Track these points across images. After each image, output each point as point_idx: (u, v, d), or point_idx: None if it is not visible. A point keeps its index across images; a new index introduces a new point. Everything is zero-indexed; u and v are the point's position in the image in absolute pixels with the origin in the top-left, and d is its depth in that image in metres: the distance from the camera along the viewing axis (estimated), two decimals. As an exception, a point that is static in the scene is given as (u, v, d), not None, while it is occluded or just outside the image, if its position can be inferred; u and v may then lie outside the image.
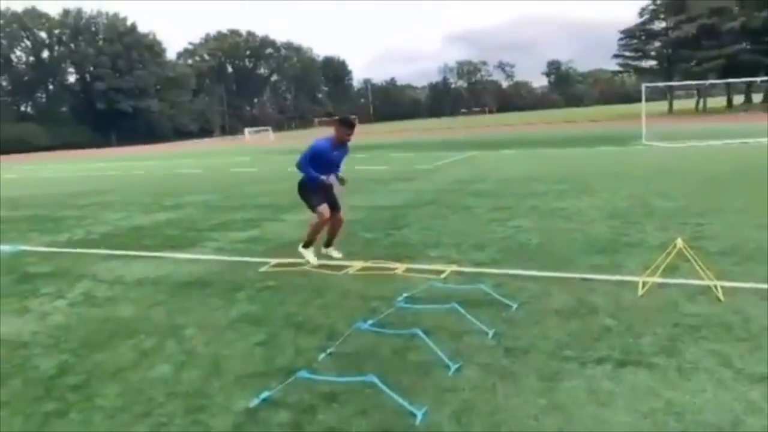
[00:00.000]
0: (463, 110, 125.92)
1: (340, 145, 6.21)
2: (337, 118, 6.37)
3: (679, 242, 5.08)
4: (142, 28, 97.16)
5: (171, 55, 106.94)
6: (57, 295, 5.82)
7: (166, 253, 7.52)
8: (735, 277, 5.08)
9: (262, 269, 6.32)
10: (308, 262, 6.29)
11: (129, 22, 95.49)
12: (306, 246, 6.42)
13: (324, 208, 6.21)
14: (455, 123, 77.47)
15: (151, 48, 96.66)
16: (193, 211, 11.30)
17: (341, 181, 6.40)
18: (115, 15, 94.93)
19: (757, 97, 69.49)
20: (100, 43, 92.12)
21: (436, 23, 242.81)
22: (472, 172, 15.90)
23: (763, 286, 4.79)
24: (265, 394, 3.33)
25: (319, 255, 6.50)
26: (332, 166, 6.29)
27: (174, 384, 3.64)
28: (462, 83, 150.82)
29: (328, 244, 6.65)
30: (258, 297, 5.35)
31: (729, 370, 3.38)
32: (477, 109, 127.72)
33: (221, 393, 3.48)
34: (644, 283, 4.94)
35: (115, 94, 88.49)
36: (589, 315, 4.40)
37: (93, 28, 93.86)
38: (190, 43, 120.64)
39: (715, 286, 4.73)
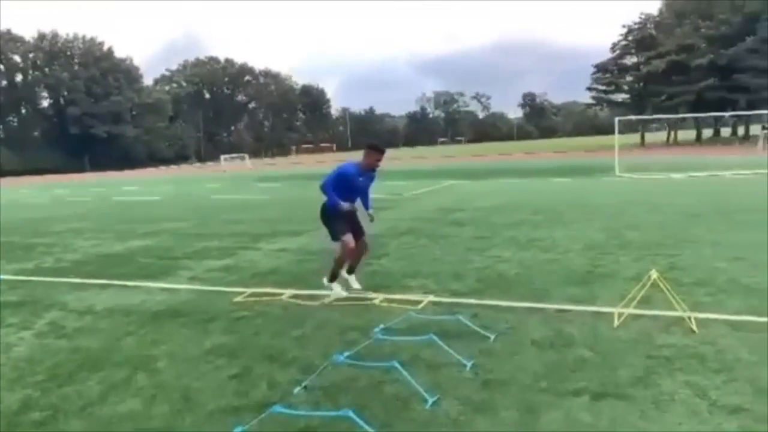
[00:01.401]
0: (442, 139, 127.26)
1: (368, 171, 5.96)
2: (368, 143, 6.11)
3: (654, 273, 5.13)
4: (119, 53, 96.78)
5: (148, 80, 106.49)
6: (23, 326, 5.65)
7: (139, 282, 7.37)
8: (708, 308, 5.15)
9: (237, 299, 6.22)
10: (336, 295, 6.00)
11: (106, 47, 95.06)
12: (331, 279, 6.09)
13: (349, 238, 5.89)
14: (433, 152, 78.18)
15: (128, 73, 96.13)
16: (167, 239, 11.14)
17: (371, 218, 6.18)
18: (92, 40, 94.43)
19: (725, 131, 71.57)
20: (76, 67, 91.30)
21: (414, 53, 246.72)
22: (450, 201, 16.00)
23: (736, 317, 4.86)
24: (238, 429, 3.24)
25: (339, 281, 6.21)
26: (357, 193, 6.04)
27: (144, 419, 3.54)
28: (439, 113, 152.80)
29: (350, 271, 6.30)
30: (232, 328, 5.25)
31: (704, 402, 3.40)
32: (459, 138, 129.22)
33: (193, 428, 3.38)
34: (620, 315, 4.97)
35: (89, 119, 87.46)
36: (566, 346, 4.41)
37: (68, 53, 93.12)
38: (168, 70, 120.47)
39: (689, 318, 4.78)
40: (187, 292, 6.73)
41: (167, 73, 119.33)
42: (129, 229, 12.85)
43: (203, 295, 6.54)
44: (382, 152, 5.96)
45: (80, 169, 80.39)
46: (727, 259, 7.08)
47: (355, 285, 6.24)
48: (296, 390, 3.80)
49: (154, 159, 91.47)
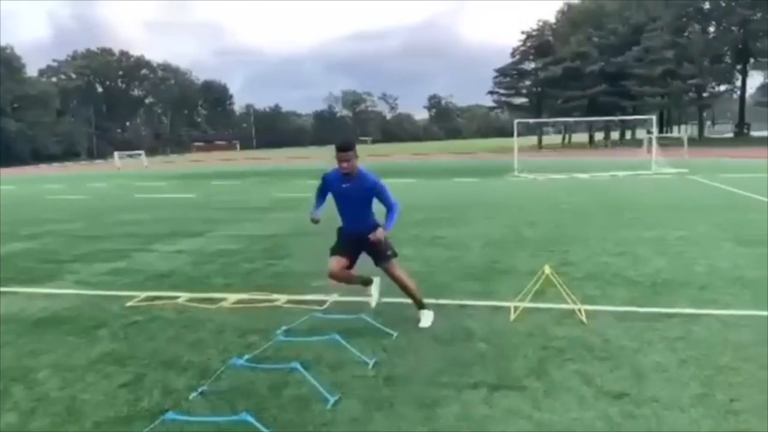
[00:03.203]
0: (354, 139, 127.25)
1: (348, 176, 4.78)
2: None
3: (547, 269, 5.38)
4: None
5: (32, 71, 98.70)
6: None
7: (18, 287, 6.80)
8: (596, 300, 5.46)
9: (129, 303, 5.88)
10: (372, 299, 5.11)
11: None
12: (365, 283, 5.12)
13: (333, 260, 4.89)
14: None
15: (9, 63, 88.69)
16: (52, 241, 10.37)
17: (375, 237, 4.74)
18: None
19: (615, 135, 76.72)
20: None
21: (322, 51, 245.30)
22: (355, 200, 16.00)
23: (621, 308, 5.20)
24: (127, 441, 3.06)
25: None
26: (348, 203, 4.88)
27: (20, 436, 3.25)
28: (347, 112, 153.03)
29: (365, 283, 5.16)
30: (123, 334, 4.95)
31: (591, 389, 3.59)
32: (362, 138, 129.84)
33: (76, 443, 3.14)
34: (515, 308, 5.16)
35: (-37, 112, 79.89)
36: (465, 341, 4.52)
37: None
38: (55, 60, 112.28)
39: (579, 310, 5.04)
40: (73, 298, 6.28)
41: (54, 64, 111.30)
42: (8, 231, 11.84)
43: (91, 300, 6.12)
44: (339, 149, 4.73)
45: (-48, 167, 73.31)
46: (613, 254, 7.56)
47: (373, 297, 5.15)
48: (192, 396, 3.64)
49: (40, 156, 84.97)
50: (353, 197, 4.84)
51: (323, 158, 54.93)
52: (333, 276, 4.92)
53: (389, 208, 4.87)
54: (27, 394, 3.80)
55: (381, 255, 4.92)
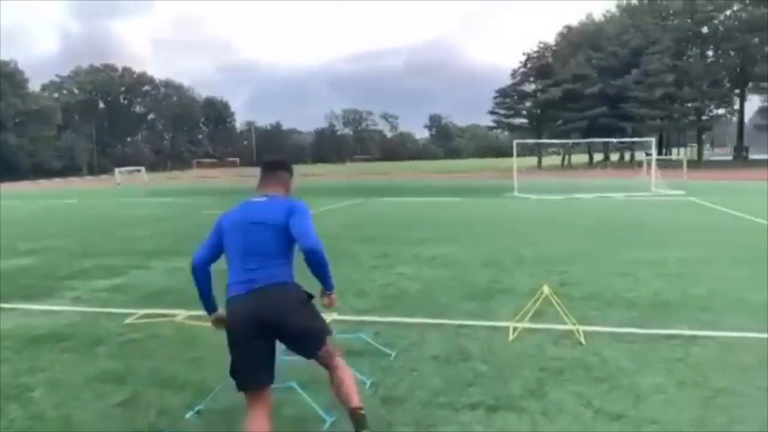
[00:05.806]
0: (356, 156, 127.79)
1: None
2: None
3: (546, 289, 5.38)
4: (2, 56, 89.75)
5: (35, 86, 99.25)
6: None
7: (16, 304, 6.77)
8: (595, 321, 5.45)
9: (127, 321, 5.86)
10: None
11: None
12: None
13: (250, 406, 3.02)
14: (341, 169, 78.45)
15: (12, 78, 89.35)
16: (50, 257, 10.35)
17: (325, 298, 3.29)
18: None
19: (614, 156, 77.06)
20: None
21: (324, 70, 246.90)
22: (356, 218, 16.05)
23: (619, 329, 5.19)
24: (122, 460, 3.03)
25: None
26: (250, 235, 3.00)
27: (14, 454, 3.22)
28: (348, 131, 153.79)
29: None
30: (120, 352, 4.93)
31: (589, 410, 3.57)
32: (362, 156, 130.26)
33: (70, 462, 3.12)
34: (514, 329, 5.15)
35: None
36: (463, 361, 4.50)
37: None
38: (58, 76, 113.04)
39: (578, 331, 5.03)
40: (71, 315, 6.26)
41: (57, 80, 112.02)
42: (6, 246, 11.83)
43: (89, 318, 6.11)
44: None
45: (-47, 181, 73.41)
46: (612, 274, 7.56)
47: None
48: (188, 415, 3.63)
49: (40, 171, 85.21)
50: (262, 223, 2.95)
51: (327, 176, 55.11)
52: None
53: (310, 252, 2.96)
54: (22, 413, 3.77)
55: (317, 337, 3.07)
